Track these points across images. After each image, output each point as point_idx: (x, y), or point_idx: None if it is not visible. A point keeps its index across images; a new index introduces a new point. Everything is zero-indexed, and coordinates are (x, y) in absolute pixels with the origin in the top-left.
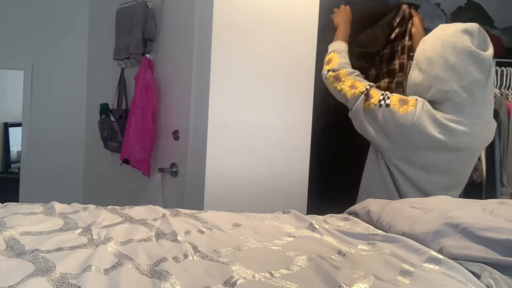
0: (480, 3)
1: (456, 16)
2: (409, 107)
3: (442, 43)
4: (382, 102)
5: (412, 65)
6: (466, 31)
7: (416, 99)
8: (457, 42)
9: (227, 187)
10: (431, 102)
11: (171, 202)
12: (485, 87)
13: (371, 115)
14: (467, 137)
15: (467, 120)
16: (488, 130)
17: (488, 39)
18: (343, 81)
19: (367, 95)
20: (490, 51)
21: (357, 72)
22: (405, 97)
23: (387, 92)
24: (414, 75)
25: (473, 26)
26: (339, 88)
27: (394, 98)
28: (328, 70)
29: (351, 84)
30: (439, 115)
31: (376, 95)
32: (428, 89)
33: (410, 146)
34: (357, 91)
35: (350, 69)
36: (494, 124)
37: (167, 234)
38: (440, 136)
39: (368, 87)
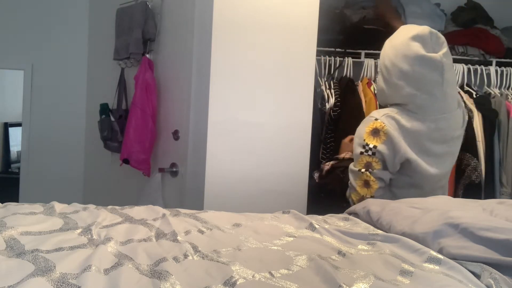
0: (480, 3)
1: (456, 16)
2: (382, 137)
3: (395, 52)
4: (369, 152)
5: (378, 71)
6: (416, 38)
7: (382, 121)
8: (407, 50)
9: (227, 187)
10: (399, 105)
11: (171, 202)
12: (442, 85)
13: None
14: (435, 132)
15: (431, 117)
16: (454, 120)
17: (442, 39)
18: (353, 192)
19: (365, 180)
20: (444, 49)
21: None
22: (372, 126)
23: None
24: (379, 81)
25: (424, 30)
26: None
27: (369, 139)
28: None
29: (360, 186)
30: (403, 120)
31: (361, 161)
32: (391, 94)
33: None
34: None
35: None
36: (459, 112)
37: (167, 234)
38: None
39: (359, 171)
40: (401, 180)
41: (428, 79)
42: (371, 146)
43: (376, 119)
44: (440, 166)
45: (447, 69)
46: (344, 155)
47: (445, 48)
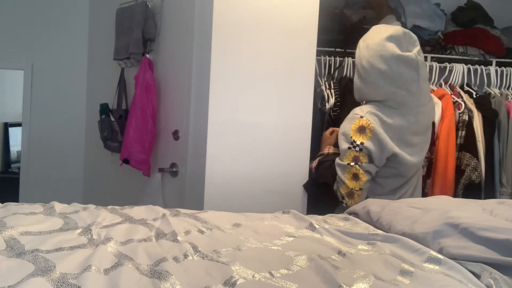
0: (480, 3)
1: (456, 16)
2: (368, 134)
3: (371, 52)
4: (357, 148)
5: (355, 69)
6: (391, 38)
7: (367, 118)
8: (382, 50)
9: (227, 187)
10: (378, 101)
11: (171, 202)
12: (418, 81)
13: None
14: (415, 125)
15: (411, 112)
16: (429, 111)
17: (414, 38)
18: (342, 185)
19: (354, 173)
20: (417, 48)
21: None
22: (358, 124)
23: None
24: (356, 80)
25: (398, 31)
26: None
27: (355, 136)
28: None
29: (349, 179)
30: (385, 117)
31: (349, 155)
32: (370, 92)
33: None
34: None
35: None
36: (432, 104)
37: (167, 234)
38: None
39: (347, 164)
40: (386, 171)
41: (405, 77)
42: (358, 142)
43: (361, 117)
44: (418, 154)
45: (421, 66)
46: (327, 150)
47: (417, 47)
